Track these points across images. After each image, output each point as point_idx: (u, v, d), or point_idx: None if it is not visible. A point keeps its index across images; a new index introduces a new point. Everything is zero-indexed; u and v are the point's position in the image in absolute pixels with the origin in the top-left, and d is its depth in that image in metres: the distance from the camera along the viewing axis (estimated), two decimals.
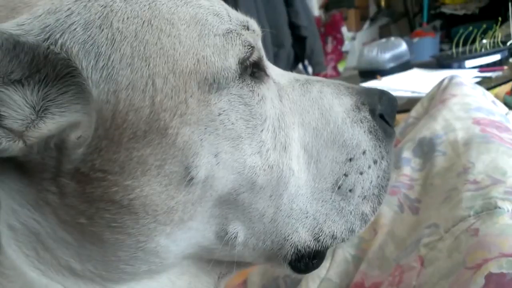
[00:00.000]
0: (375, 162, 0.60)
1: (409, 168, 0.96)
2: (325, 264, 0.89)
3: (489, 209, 0.70)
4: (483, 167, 0.80)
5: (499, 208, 0.69)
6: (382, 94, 0.64)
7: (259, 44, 0.56)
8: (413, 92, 1.88)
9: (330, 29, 4.32)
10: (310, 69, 3.39)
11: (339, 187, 0.57)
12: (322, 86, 0.62)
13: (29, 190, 0.44)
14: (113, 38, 0.43)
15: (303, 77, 0.63)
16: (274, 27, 2.58)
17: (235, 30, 0.50)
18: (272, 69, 0.60)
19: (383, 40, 2.70)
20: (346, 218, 0.58)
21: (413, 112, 1.18)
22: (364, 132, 0.60)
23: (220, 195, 0.49)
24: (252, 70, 0.53)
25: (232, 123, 0.49)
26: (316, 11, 4.41)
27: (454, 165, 0.87)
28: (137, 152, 0.44)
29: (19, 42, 0.39)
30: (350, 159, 0.58)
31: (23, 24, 0.40)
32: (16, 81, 0.40)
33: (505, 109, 1.17)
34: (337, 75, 3.94)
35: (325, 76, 3.61)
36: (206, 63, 0.47)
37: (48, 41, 0.40)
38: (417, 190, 0.92)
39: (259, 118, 0.51)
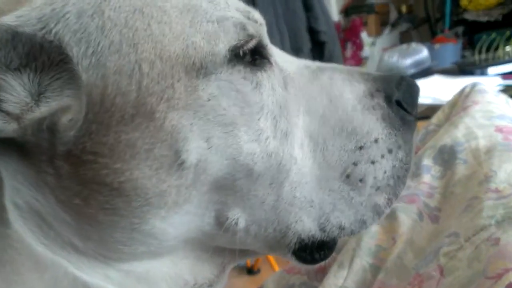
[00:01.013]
0: (389, 151, 0.58)
1: (429, 176, 0.95)
2: (343, 273, 0.88)
3: (511, 218, 0.69)
4: (505, 176, 0.79)
5: None
6: (401, 80, 0.62)
7: (262, 33, 0.55)
8: (434, 99, 1.86)
9: (349, 35, 4.30)
10: None
11: (347, 176, 0.56)
12: (333, 73, 0.60)
13: (29, 171, 0.47)
14: (103, 26, 0.45)
15: (315, 64, 0.62)
16: (293, 32, 2.58)
17: (232, 17, 0.50)
18: (280, 56, 0.59)
19: (404, 45, 2.68)
20: (356, 209, 0.56)
21: (434, 119, 1.17)
22: (377, 119, 0.58)
23: (215, 179, 0.50)
24: (253, 57, 0.53)
25: (224, 109, 0.49)
26: (335, 16, 4.39)
27: (475, 174, 0.85)
28: (126, 135, 0.46)
29: (17, 33, 0.42)
30: (360, 147, 0.57)
31: (22, 16, 0.43)
32: (14, 69, 0.43)
33: None
34: None
35: None
36: (195, 49, 0.47)
37: (44, 30, 0.43)
38: (437, 198, 0.91)
39: (254, 106, 0.51)
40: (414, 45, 2.62)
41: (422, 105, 1.76)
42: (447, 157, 0.96)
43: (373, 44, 4.23)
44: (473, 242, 0.70)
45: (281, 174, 0.53)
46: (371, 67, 3.58)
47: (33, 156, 0.46)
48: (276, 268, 2.38)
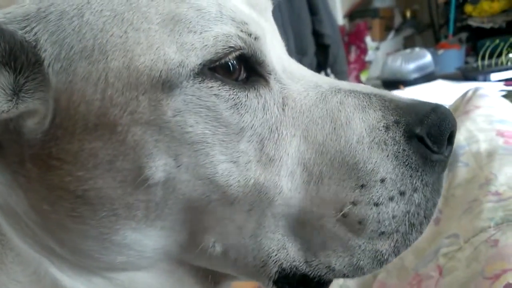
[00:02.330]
0: (402, 193, 0.50)
1: None
2: None
3: (510, 221, 0.70)
4: (505, 179, 0.80)
5: None
6: (431, 112, 0.52)
7: (258, 48, 0.49)
8: None
9: (354, 38, 4.31)
10: (332, 78, 3.39)
11: (344, 216, 0.49)
12: (347, 96, 0.53)
13: (6, 171, 0.47)
14: (80, 30, 0.43)
15: (331, 83, 0.55)
16: (298, 35, 2.59)
17: (217, 30, 0.46)
18: (289, 73, 0.54)
19: (408, 50, 2.70)
20: (352, 252, 0.50)
21: None
22: (387, 156, 0.50)
23: (188, 199, 0.47)
24: (248, 75, 0.49)
25: (191, 126, 0.45)
26: (340, 20, 4.40)
27: (476, 177, 0.86)
28: (89, 144, 0.44)
29: (2, 29, 0.42)
30: (362, 186, 0.50)
31: (9, 13, 0.42)
32: None
33: None
34: None
35: None
36: (164, 60, 0.44)
37: (25, 29, 0.42)
38: None
39: (231, 127, 0.47)
40: (417, 50, 2.63)
41: None
42: (449, 160, 0.96)
43: (377, 48, 4.23)
44: (472, 243, 0.72)
45: (262, 202, 0.48)
46: (374, 71, 3.58)
47: (7, 156, 0.46)
48: None
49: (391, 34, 4.27)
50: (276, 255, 0.50)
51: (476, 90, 1.19)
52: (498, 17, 3.12)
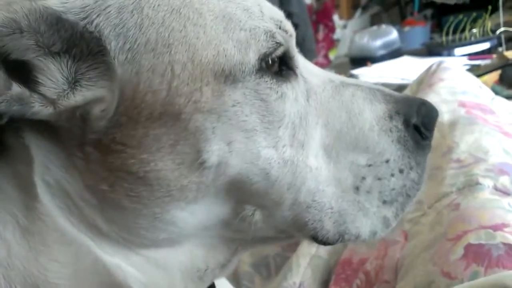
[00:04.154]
0: (401, 171, 0.59)
1: None
2: None
3: (471, 185, 0.73)
4: (466, 147, 0.83)
5: (480, 184, 0.72)
6: (422, 105, 0.63)
7: (291, 44, 0.56)
8: (403, 79, 1.90)
9: (321, 17, 4.33)
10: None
11: (357, 188, 0.58)
12: (356, 90, 0.61)
13: (61, 153, 0.49)
14: (142, 23, 0.46)
15: (339, 78, 0.63)
16: None
17: (264, 27, 0.51)
18: (306, 68, 0.61)
19: (374, 27, 2.72)
20: (371, 220, 0.58)
21: None
22: (392, 141, 0.60)
23: (234, 181, 0.52)
24: (280, 68, 0.54)
25: (246, 116, 0.50)
26: None
27: (439, 146, 0.89)
28: (153, 131, 0.47)
29: (61, 18, 0.43)
30: (369, 165, 0.58)
31: (66, 2, 0.44)
32: (54, 53, 0.44)
33: (492, 94, 1.20)
34: (328, 63, 3.95)
35: (316, 63, 3.61)
36: (226, 56, 0.49)
37: (86, 20, 0.44)
38: None
39: (276, 115, 0.53)
40: (384, 27, 2.66)
41: (392, 85, 1.80)
42: None
43: (344, 26, 4.26)
44: (436, 208, 0.75)
45: (298, 180, 0.55)
46: (342, 49, 3.61)
47: (65, 140, 0.48)
48: None
49: (358, 12, 4.30)
50: (312, 224, 0.57)
51: (440, 63, 1.22)
52: None
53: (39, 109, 0.44)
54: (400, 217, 0.60)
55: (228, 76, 0.49)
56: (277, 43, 0.52)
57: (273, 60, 0.53)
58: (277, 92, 0.53)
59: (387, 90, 0.65)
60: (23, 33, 0.42)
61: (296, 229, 0.58)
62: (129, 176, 0.48)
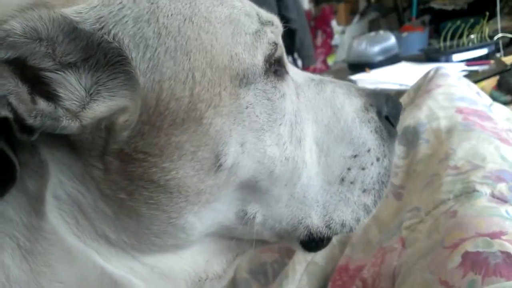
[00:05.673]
0: (378, 159, 0.64)
1: None
2: None
3: (468, 193, 0.72)
4: (463, 153, 0.83)
5: (477, 191, 0.72)
6: (389, 97, 0.69)
7: (280, 41, 0.59)
8: (401, 84, 1.90)
9: (320, 23, 4.34)
10: (299, 62, 3.40)
11: (342, 179, 0.61)
12: (335, 87, 0.66)
13: (76, 165, 0.48)
14: (159, 32, 0.47)
15: (317, 77, 0.67)
16: None
17: (263, 29, 0.54)
18: (290, 68, 0.63)
19: (372, 33, 2.72)
20: (352, 208, 0.62)
21: None
22: (371, 131, 0.64)
23: (242, 181, 0.53)
24: (275, 68, 0.56)
25: (257, 116, 0.53)
26: (306, 4, 4.42)
27: (436, 152, 0.89)
28: (175, 138, 0.48)
29: (77, 28, 0.43)
30: (355, 156, 0.63)
31: (81, 13, 0.44)
32: (71, 64, 0.44)
33: (489, 100, 1.20)
34: (326, 68, 3.96)
35: (314, 69, 3.62)
36: (238, 60, 0.51)
37: (102, 30, 0.44)
38: (400, 177, 0.94)
39: (279, 113, 0.55)
40: (382, 32, 2.65)
41: (390, 90, 1.80)
42: (410, 138, 0.99)
43: (342, 32, 4.27)
44: (433, 215, 0.74)
45: (294, 176, 0.58)
46: (341, 55, 3.61)
47: (83, 151, 0.48)
48: None
49: (356, 18, 4.31)
50: (305, 221, 0.60)
51: (437, 69, 1.22)
52: None
53: (67, 123, 0.44)
54: (379, 204, 0.65)
55: (242, 79, 0.51)
56: (275, 44, 0.55)
57: (274, 61, 0.55)
58: (280, 90, 0.56)
59: (357, 85, 0.70)
60: (42, 41, 0.42)
61: (291, 230, 0.60)
62: (150, 185, 0.49)
